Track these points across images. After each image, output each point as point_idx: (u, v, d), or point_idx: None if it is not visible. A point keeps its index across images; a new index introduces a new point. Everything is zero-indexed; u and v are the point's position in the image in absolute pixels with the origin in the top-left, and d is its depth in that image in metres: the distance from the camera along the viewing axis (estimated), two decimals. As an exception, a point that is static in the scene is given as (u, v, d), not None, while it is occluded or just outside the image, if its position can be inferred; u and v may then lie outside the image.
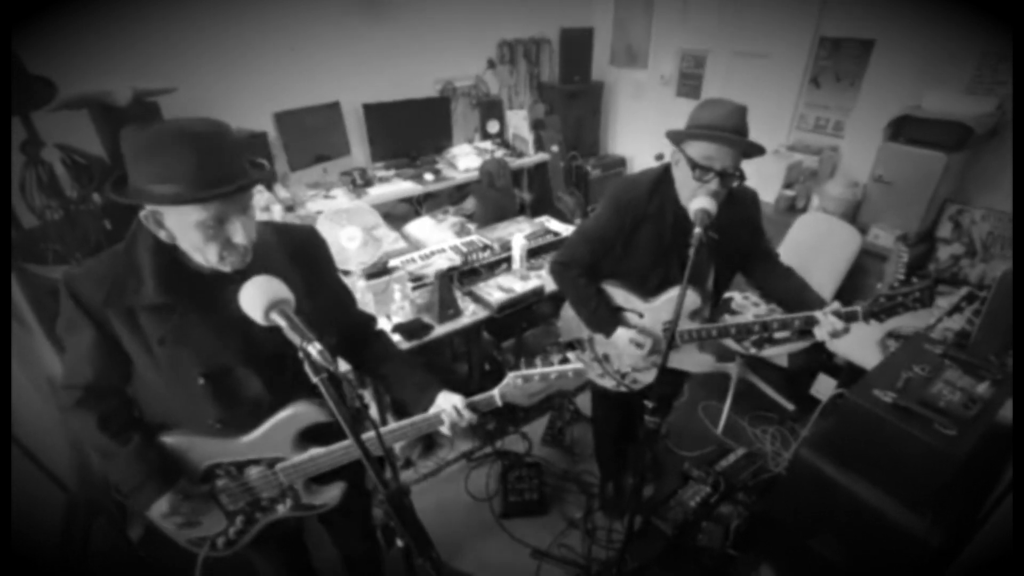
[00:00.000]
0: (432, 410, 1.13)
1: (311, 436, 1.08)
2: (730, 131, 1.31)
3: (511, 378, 1.12)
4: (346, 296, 1.25)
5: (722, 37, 3.48)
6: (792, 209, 3.00)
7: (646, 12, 3.87)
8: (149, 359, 0.97)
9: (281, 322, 0.77)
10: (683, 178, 1.41)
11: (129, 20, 2.52)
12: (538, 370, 1.12)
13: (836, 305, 1.36)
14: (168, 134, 0.82)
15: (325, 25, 3.13)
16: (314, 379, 0.76)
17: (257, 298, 0.78)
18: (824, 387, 2.55)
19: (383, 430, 1.07)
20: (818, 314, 1.36)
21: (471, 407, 1.12)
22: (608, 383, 1.77)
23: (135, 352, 0.97)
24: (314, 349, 0.75)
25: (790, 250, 2.69)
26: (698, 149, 1.35)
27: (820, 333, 1.37)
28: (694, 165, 1.35)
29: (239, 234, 0.87)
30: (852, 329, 1.35)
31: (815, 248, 2.62)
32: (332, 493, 1.19)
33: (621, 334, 1.60)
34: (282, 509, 1.17)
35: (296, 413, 1.05)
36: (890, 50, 2.71)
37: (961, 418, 1.38)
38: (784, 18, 3.09)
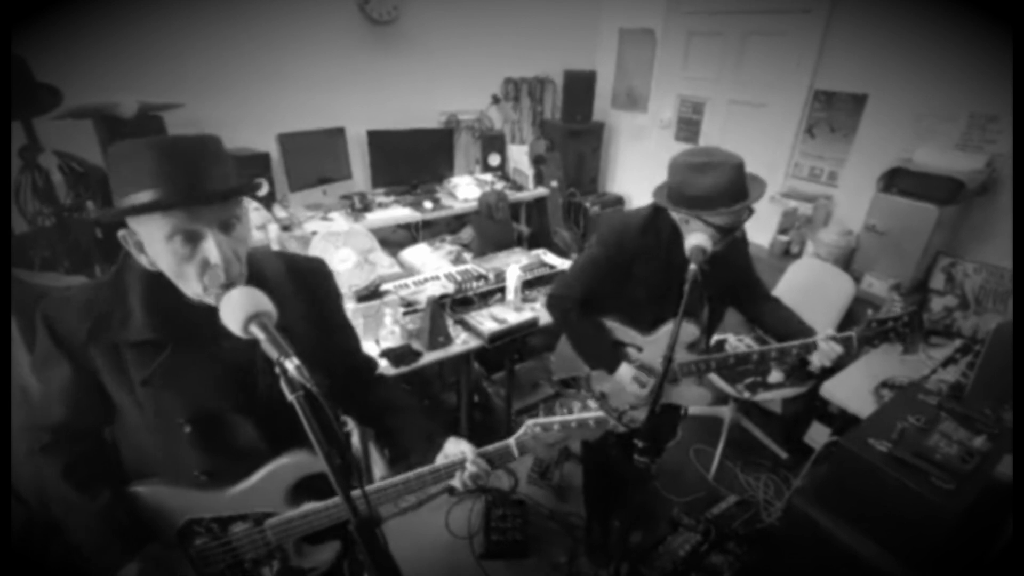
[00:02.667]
0: (440, 459, 1.03)
1: (306, 489, 0.98)
2: (731, 197, 1.32)
3: (529, 426, 1.05)
4: (351, 335, 1.17)
5: (720, 86, 3.58)
6: (787, 254, 3.03)
7: (648, 59, 3.99)
8: (132, 401, 0.88)
9: (260, 334, 0.74)
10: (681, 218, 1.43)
11: (140, 34, 2.56)
12: (558, 418, 1.05)
13: (831, 331, 1.39)
14: (138, 141, 0.77)
15: (336, 54, 3.20)
16: (289, 396, 0.72)
17: (237, 309, 0.75)
18: (818, 435, 2.50)
19: (384, 484, 0.97)
20: (817, 340, 1.38)
21: (484, 458, 1.02)
22: (602, 421, 1.73)
23: (117, 393, 0.88)
24: (291, 364, 0.71)
25: (784, 294, 2.66)
26: (698, 225, 1.37)
27: (818, 359, 1.38)
28: None
29: (213, 252, 0.78)
30: (846, 371, 1.35)
31: (809, 293, 2.62)
32: (324, 556, 1.07)
33: (624, 371, 1.57)
34: (267, 573, 1.04)
35: (291, 463, 0.95)
36: (883, 105, 2.79)
37: (959, 472, 1.34)
38: (780, 70, 3.19)
